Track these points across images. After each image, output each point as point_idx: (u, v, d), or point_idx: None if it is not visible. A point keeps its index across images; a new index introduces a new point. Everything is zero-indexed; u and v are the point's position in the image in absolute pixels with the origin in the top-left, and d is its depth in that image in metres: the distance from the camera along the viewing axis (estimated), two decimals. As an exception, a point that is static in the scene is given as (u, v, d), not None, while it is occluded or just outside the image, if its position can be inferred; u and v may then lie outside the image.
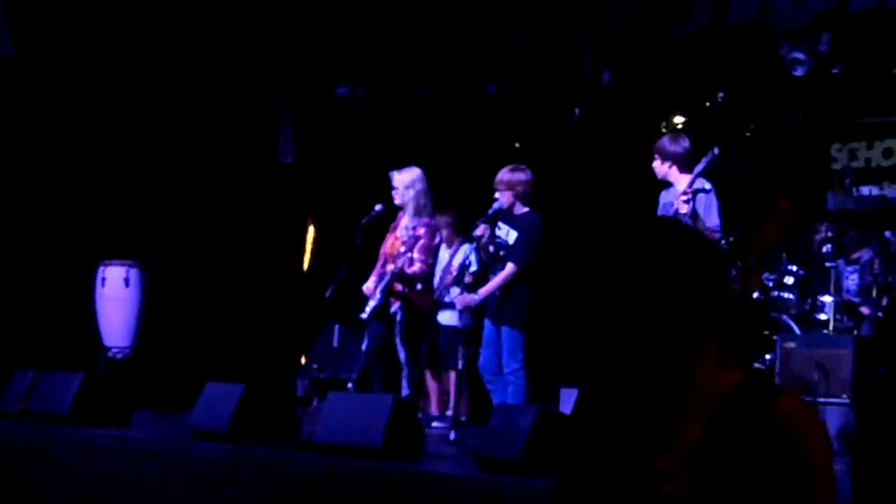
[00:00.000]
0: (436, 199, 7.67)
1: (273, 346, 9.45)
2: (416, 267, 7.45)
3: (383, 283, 7.49)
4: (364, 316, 7.58)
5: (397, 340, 7.64)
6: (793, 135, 9.57)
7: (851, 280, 8.28)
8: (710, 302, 1.85)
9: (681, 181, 6.46)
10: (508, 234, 7.05)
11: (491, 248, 7.08)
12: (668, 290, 1.83)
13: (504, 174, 7.10)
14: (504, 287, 7.00)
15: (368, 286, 7.58)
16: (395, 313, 7.60)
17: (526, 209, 7.11)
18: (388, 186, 7.61)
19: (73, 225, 9.01)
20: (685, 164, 6.52)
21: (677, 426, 1.83)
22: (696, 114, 9.53)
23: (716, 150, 6.31)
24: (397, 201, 7.62)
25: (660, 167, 6.62)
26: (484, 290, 7.05)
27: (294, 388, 9.23)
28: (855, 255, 8.36)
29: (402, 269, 7.38)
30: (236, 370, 7.50)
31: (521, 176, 7.10)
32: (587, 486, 1.91)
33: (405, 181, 7.56)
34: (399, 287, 7.50)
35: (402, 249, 7.47)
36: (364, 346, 7.76)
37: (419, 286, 7.58)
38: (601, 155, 9.58)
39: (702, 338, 1.85)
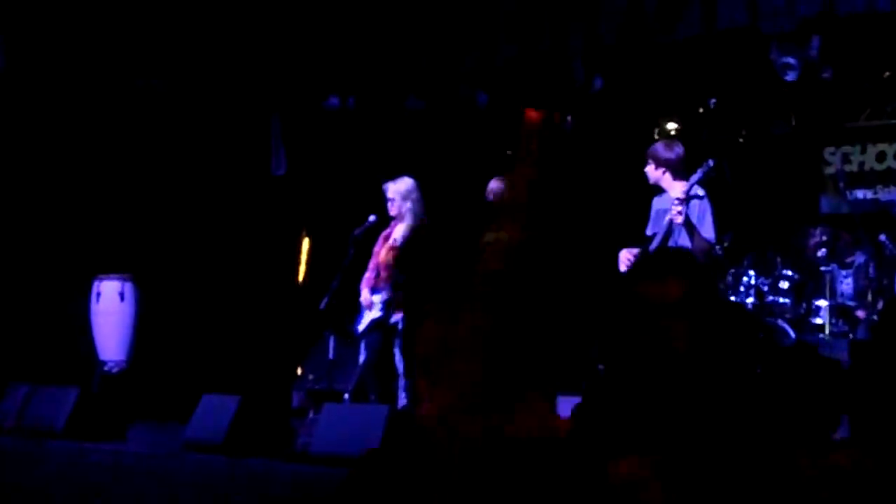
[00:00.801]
0: (428, 208, 7.66)
1: (268, 358, 9.43)
2: None
3: (386, 295, 7.45)
4: (360, 328, 7.55)
5: (396, 350, 7.60)
6: (785, 139, 9.58)
7: (846, 284, 8.27)
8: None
9: (674, 188, 6.46)
10: (502, 243, 7.03)
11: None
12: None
13: (495, 184, 7.10)
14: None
15: (366, 297, 7.55)
16: (397, 323, 7.57)
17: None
18: (382, 196, 7.59)
19: (68, 239, 9.00)
20: (679, 171, 6.53)
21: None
22: (688, 120, 9.54)
23: (711, 162, 6.32)
24: (393, 212, 7.59)
25: (653, 172, 6.62)
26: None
27: (290, 400, 9.20)
28: (849, 259, 8.36)
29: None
30: (232, 382, 7.49)
31: (512, 184, 7.09)
32: None
33: (400, 192, 7.55)
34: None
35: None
36: (362, 359, 7.71)
37: None
38: (594, 162, 9.57)
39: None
